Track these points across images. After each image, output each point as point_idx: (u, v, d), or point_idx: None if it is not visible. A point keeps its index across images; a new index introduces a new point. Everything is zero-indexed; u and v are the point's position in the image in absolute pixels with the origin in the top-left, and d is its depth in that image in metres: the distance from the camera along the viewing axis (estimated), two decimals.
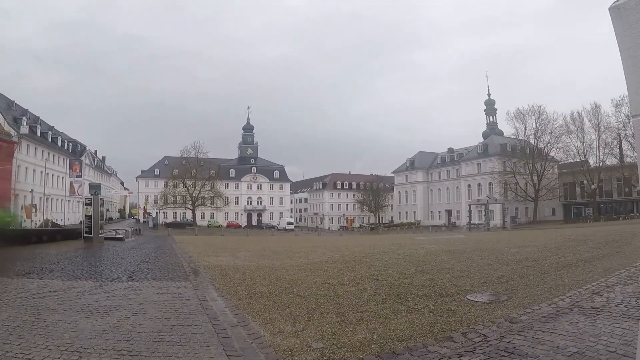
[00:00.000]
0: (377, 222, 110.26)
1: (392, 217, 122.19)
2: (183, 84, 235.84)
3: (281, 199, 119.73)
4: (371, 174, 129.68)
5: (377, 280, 11.48)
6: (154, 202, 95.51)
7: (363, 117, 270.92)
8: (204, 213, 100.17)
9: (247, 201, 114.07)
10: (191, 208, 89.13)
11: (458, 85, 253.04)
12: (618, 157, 78.97)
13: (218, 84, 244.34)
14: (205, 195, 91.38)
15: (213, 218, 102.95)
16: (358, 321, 7.13)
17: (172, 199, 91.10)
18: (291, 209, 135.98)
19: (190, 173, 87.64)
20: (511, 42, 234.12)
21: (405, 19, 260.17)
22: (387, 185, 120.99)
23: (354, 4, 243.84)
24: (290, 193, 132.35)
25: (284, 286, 10.77)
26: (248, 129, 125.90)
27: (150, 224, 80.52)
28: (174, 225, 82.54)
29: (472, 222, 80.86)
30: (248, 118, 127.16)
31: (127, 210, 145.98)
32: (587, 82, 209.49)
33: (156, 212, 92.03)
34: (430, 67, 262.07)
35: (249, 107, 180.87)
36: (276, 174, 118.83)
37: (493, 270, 12.89)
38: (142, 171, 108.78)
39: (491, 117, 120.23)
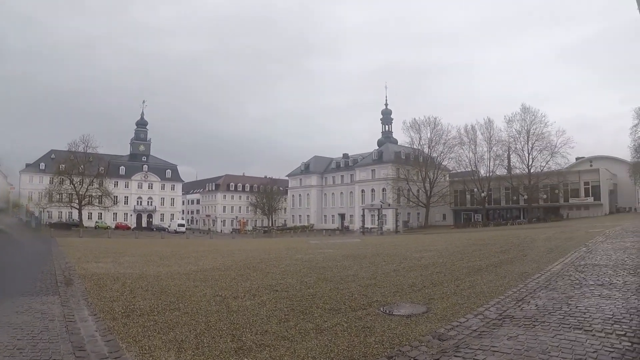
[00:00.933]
0: (271, 225, 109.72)
1: (285, 221, 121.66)
2: (79, 71, 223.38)
3: (173, 199, 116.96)
4: (265, 177, 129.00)
5: (276, 291, 10.21)
6: (39, 200, 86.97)
7: (261, 120, 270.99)
8: (91, 213, 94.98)
9: (137, 201, 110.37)
10: (77, 207, 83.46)
11: (357, 96, 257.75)
12: (507, 168, 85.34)
13: (119, 75, 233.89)
14: (93, 194, 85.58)
15: (101, 219, 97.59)
16: (258, 347, 5.86)
17: (58, 196, 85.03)
18: (183, 211, 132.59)
19: (77, 169, 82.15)
20: (414, 59, 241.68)
21: (309, 27, 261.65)
22: (281, 189, 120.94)
23: (264, 7, 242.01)
24: (183, 194, 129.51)
25: (169, 300, 9.19)
26: (142, 124, 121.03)
27: (33, 224, 74.35)
28: (59, 225, 76.67)
29: (365, 226, 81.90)
30: (142, 113, 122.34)
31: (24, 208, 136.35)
32: (482, 100, 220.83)
33: (39, 211, 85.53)
34: (330, 76, 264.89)
35: (144, 102, 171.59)
36: (168, 173, 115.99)
37: (402, 277, 12.08)
38: (27, 165, 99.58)
39: (387, 126, 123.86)
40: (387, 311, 7.95)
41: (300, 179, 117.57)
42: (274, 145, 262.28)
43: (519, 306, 7.86)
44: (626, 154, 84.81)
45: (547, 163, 79.12)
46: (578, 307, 7.49)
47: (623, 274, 10.75)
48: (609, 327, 6.15)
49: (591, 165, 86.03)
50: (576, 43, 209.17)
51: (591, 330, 6.04)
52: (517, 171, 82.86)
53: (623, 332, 5.90)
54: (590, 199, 79.07)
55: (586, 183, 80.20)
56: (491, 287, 9.99)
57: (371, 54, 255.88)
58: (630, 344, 5.45)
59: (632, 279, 10.05)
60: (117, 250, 26.04)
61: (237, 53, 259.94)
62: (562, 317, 6.88)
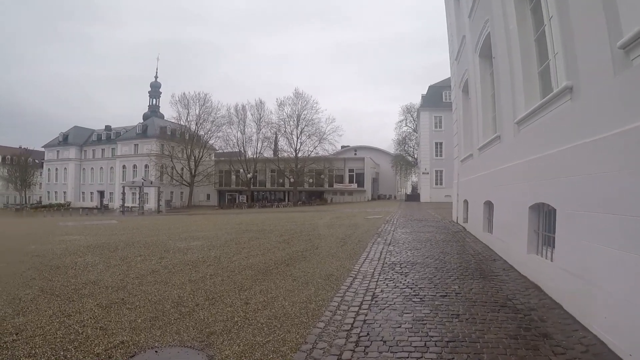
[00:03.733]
0: (24, 202, 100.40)
1: (40, 197, 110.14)
2: None
3: None
4: (20, 147, 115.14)
5: None
6: None
7: (23, 84, 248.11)
8: None
9: None
10: None
11: (128, 67, 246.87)
12: (274, 151, 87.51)
13: None
14: None
15: None
16: None
17: None
18: None
19: None
20: (189, 37, 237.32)
21: None
22: (37, 161, 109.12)
23: None
24: None
25: None
26: None
27: None
28: None
29: (125, 205, 75.47)
30: None
31: None
32: (256, 85, 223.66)
33: None
34: (102, 43, 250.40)
35: None
36: None
37: (163, 286, 8.64)
38: None
39: (155, 100, 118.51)
40: None
41: (58, 151, 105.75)
42: (34, 112, 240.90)
43: (360, 348, 5.21)
44: (388, 146, 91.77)
45: (315, 148, 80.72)
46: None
47: (458, 277, 8.78)
48: None
49: (355, 154, 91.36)
50: (348, 45, 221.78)
51: None
52: (285, 154, 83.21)
53: None
54: (354, 185, 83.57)
55: (351, 170, 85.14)
56: (296, 303, 7.15)
57: (147, 26, 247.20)
58: None
59: (477, 285, 8.07)
60: None
61: (6, 7, 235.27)
62: None
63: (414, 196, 73.30)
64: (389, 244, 13.52)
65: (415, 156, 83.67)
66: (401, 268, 9.72)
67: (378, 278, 8.80)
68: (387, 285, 8.18)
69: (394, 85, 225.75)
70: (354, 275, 9.14)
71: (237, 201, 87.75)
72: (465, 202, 18.08)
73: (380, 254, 11.62)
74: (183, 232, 20.60)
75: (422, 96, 70.49)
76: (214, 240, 16.33)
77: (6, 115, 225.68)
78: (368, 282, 8.53)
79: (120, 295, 7.78)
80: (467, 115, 17.46)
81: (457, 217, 20.73)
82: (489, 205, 13.00)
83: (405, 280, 8.52)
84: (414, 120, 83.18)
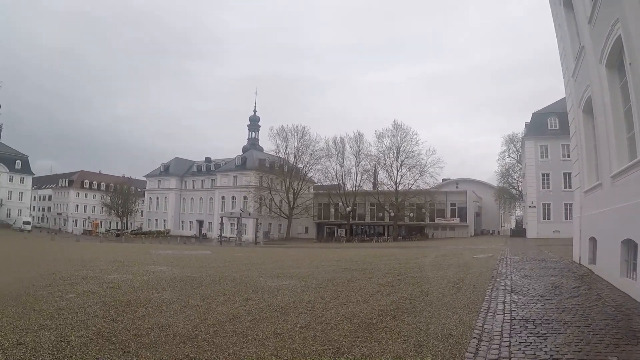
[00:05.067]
0: (125, 228, 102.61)
1: (141, 224, 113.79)
2: None
3: (21, 193, 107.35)
4: (123, 176, 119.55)
5: None
6: None
7: (129, 117, 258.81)
8: None
9: None
10: None
11: (228, 101, 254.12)
12: (374, 184, 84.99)
13: None
14: None
15: None
16: None
17: None
18: (33, 207, 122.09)
19: None
20: (288, 72, 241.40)
21: (188, 28, 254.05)
22: (139, 190, 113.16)
23: (147, 3, 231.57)
24: (34, 188, 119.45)
25: None
26: None
27: None
28: None
29: (223, 235, 76.55)
30: None
31: None
32: (354, 118, 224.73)
33: None
34: (203, 79, 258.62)
35: None
36: (18, 164, 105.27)
37: (242, 339, 7.00)
38: None
39: (254, 133, 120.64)
40: None
41: (159, 181, 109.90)
42: (137, 144, 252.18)
43: None
44: (489, 179, 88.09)
45: (415, 181, 77.93)
46: None
47: (611, 342, 6.44)
48: None
49: (457, 187, 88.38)
50: (443, 75, 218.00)
51: None
52: (385, 188, 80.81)
53: None
54: (457, 220, 79.60)
55: (453, 204, 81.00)
56: None
57: (247, 62, 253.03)
58: None
59: None
60: None
61: (114, 47, 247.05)
62: None
63: (519, 231, 69.36)
64: (511, 292, 11.29)
65: (520, 189, 78.74)
66: (535, 327, 7.55)
67: (510, 342, 6.72)
68: (524, 354, 6.14)
69: (494, 114, 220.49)
70: (478, 336, 7.12)
71: (335, 235, 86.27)
72: (592, 239, 15.51)
73: (504, 305, 9.52)
74: (277, 268, 19.31)
75: (525, 125, 66.70)
76: (309, 279, 14.64)
77: (111, 147, 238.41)
78: (498, 347, 6.51)
79: (186, 350, 6.40)
80: (591, 138, 15.29)
81: (580, 257, 18.02)
82: (629, 245, 10.50)
83: (545, 346, 6.43)
84: (517, 150, 78.48)
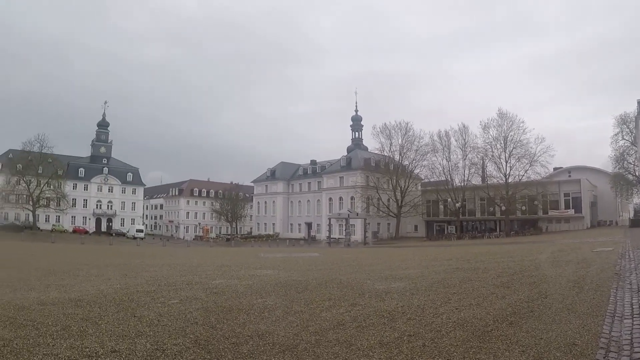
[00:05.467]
0: (234, 233, 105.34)
1: (251, 228, 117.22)
2: (46, 71, 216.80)
3: (134, 204, 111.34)
4: (231, 183, 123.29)
5: None
6: None
7: (232, 125, 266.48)
8: (48, 215, 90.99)
9: (97, 204, 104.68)
10: (31, 209, 79.47)
11: (328, 104, 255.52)
12: (482, 177, 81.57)
13: (88, 77, 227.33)
14: (49, 196, 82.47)
15: (59, 221, 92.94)
16: None
17: (15, 197, 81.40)
18: (145, 215, 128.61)
19: (35, 169, 78.64)
20: (386, 68, 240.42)
21: (286, 34, 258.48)
22: (247, 195, 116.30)
23: (239, 14, 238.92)
24: (146, 198, 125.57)
25: None
26: (103, 125, 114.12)
27: None
28: (9, 227, 74.70)
29: (332, 236, 76.85)
30: (104, 114, 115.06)
31: None
32: (456, 109, 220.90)
33: None
34: (303, 83, 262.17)
35: (105, 102, 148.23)
36: (129, 176, 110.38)
37: (345, 350, 6.49)
38: None
39: (357, 133, 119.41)
40: None
41: (266, 186, 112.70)
42: (242, 151, 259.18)
43: None
44: (603, 165, 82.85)
45: (525, 172, 74.00)
46: None
47: None
48: None
49: (569, 176, 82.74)
50: (547, 56, 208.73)
51: None
52: (494, 180, 77.45)
53: None
54: (571, 212, 74.63)
55: (566, 194, 76.05)
56: None
57: (345, 62, 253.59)
58: None
59: None
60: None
61: (214, 58, 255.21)
62: None
63: (638, 221, 64.34)
64: (638, 291, 10.17)
65: (638, 174, 74.64)
66: None
67: None
68: None
69: (604, 94, 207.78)
70: (605, 346, 6.27)
71: (445, 232, 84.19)
72: None
73: (632, 308, 8.51)
74: (385, 269, 18.62)
75: (638, 102, 62.99)
76: (418, 281, 13.97)
77: (218, 156, 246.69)
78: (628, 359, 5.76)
79: None
80: None
81: None
82: None
83: None
84: (631, 132, 73.30)
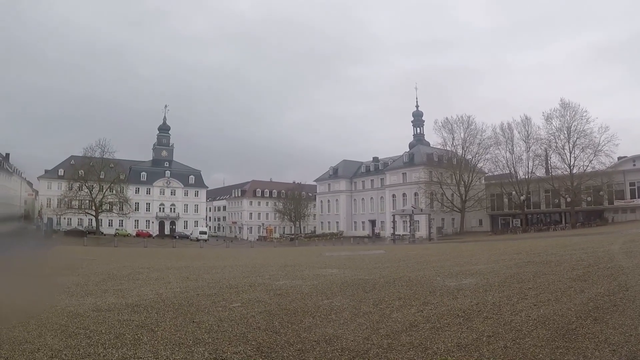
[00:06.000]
0: (298, 232, 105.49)
1: (314, 227, 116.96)
2: (113, 78, 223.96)
3: (196, 206, 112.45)
4: (293, 182, 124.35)
5: None
6: (57, 206, 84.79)
7: (296, 126, 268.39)
8: (111, 220, 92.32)
9: (160, 208, 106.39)
10: (93, 214, 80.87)
11: (389, 100, 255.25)
12: (546, 169, 79.55)
13: (151, 83, 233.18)
14: (112, 200, 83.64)
15: (122, 226, 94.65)
16: None
17: (78, 203, 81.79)
18: (209, 217, 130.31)
19: (97, 175, 79.85)
20: (445, 62, 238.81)
21: (344, 31, 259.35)
22: (309, 194, 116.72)
23: (298, 14, 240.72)
24: (209, 200, 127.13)
25: None
26: (164, 129, 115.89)
27: (43, 230, 71.10)
28: (73, 232, 75.63)
29: (396, 233, 76.63)
30: (165, 118, 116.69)
31: (36, 214, 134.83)
32: (517, 102, 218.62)
33: (53, 218, 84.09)
34: (363, 81, 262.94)
35: (166, 106, 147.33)
36: (192, 179, 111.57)
37: (420, 354, 6.16)
38: (46, 171, 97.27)
39: (418, 129, 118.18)
40: None
41: (329, 184, 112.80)
42: (305, 151, 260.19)
43: None
44: None
45: (590, 162, 72.61)
46: None
47: None
48: None
49: (634, 165, 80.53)
50: (606, 45, 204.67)
51: None
52: (559, 172, 76.19)
53: None
54: (638, 201, 72.51)
55: (632, 184, 73.80)
56: None
57: (404, 58, 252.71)
58: None
59: None
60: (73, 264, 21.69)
61: (270, 62, 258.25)
62: None
63: None
64: None
65: None
66: None
67: None
68: None
69: None
70: None
71: (510, 225, 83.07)
72: None
73: None
74: (454, 265, 17.94)
75: None
76: (490, 276, 13.32)
77: (280, 156, 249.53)
78: None
79: None
80: None
81: None
82: None
83: None
84: None
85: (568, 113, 73.41)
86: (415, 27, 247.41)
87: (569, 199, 74.14)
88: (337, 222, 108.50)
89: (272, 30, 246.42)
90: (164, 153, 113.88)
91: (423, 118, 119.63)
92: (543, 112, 77.86)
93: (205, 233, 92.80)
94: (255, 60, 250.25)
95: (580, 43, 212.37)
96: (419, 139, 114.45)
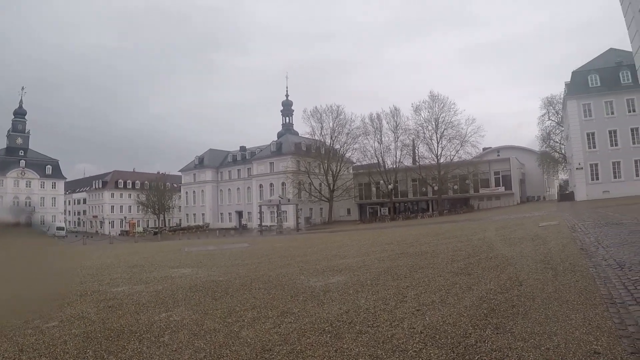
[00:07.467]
0: (162, 225, 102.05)
1: (180, 220, 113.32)
2: None
3: (54, 199, 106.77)
4: (157, 172, 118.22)
5: None
6: None
7: (161, 115, 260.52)
8: None
9: (14, 201, 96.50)
10: None
11: (261, 91, 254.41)
12: (414, 158, 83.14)
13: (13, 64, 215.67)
14: None
15: None
16: None
17: None
18: (68, 211, 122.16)
19: None
20: (319, 56, 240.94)
21: (217, 22, 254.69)
22: (175, 185, 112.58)
23: (174, 3, 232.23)
24: (69, 193, 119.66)
25: None
26: (20, 114, 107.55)
27: None
28: None
29: (263, 224, 75.70)
30: (21, 101, 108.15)
31: None
32: (389, 96, 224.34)
33: None
34: (235, 71, 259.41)
35: (22, 88, 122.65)
36: (49, 169, 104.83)
37: None
38: None
39: (288, 118, 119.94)
40: None
41: (194, 174, 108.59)
42: (172, 141, 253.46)
43: None
44: (530, 144, 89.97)
45: (457, 152, 76.34)
46: None
47: None
48: None
49: (498, 155, 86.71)
50: (478, 45, 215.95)
51: None
52: (426, 161, 79.35)
53: None
54: (502, 189, 77.74)
55: (496, 173, 79.04)
56: None
57: (276, 50, 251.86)
58: None
59: None
60: None
61: (144, 47, 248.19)
62: None
63: (567, 195, 66.63)
64: (621, 268, 8.67)
65: (563, 152, 78.83)
66: None
67: None
68: None
69: (530, 80, 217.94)
70: (636, 350, 4.53)
71: (379, 214, 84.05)
72: None
73: (628, 291, 6.89)
74: (320, 260, 16.20)
75: (565, 84, 64.53)
76: (361, 272, 11.74)
77: (145, 146, 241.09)
78: None
79: None
80: None
81: None
82: None
83: None
84: (556, 112, 78.04)
85: (436, 105, 76.71)
86: (290, 19, 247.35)
87: (436, 188, 79.12)
88: (202, 214, 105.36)
89: (146, 17, 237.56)
90: (19, 140, 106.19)
91: (293, 107, 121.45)
92: (412, 104, 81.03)
93: (62, 229, 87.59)
94: (125, 47, 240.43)
95: (453, 42, 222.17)
96: (287, 128, 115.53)
